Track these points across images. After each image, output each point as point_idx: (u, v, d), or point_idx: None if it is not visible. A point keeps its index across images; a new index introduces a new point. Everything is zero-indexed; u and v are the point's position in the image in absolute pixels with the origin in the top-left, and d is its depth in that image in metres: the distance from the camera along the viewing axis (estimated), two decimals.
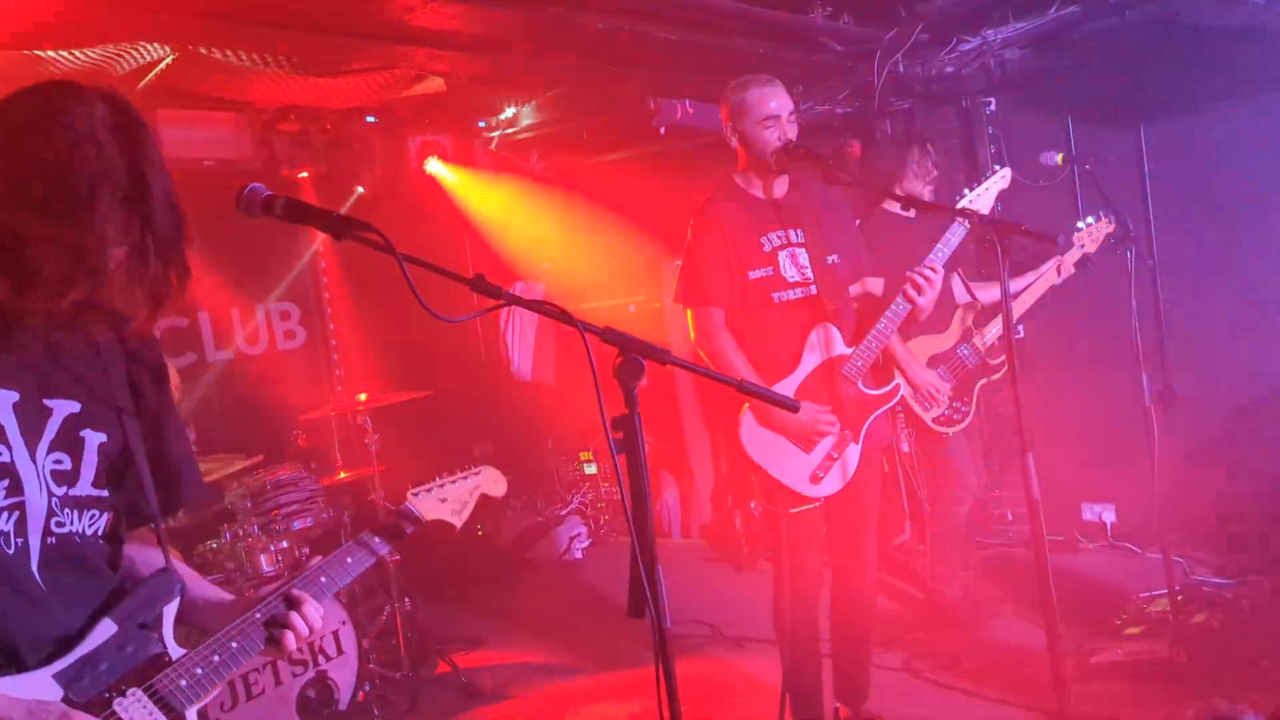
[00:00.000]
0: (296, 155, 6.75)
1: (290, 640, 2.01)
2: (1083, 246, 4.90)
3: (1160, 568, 4.44)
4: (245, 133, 6.17)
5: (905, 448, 5.69)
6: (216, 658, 1.94)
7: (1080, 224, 4.92)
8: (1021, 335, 6.11)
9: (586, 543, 7.75)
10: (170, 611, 1.98)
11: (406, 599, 5.67)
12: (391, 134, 7.03)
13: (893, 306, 3.68)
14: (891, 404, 3.80)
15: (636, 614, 2.02)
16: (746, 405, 3.64)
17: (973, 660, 4.69)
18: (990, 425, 6.20)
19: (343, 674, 4.75)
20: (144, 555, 2.06)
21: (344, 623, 4.79)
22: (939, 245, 3.70)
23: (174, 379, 5.78)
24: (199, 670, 1.91)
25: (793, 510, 3.66)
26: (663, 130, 6.14)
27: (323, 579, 2.16)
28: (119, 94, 1.75)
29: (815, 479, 3.63)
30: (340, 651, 4.76)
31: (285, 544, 4.95)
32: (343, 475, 5.86)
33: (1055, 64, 5.80)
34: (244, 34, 4.51)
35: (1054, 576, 3.21)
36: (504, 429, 8.83)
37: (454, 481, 2.75)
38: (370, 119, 6.72)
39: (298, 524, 5.17)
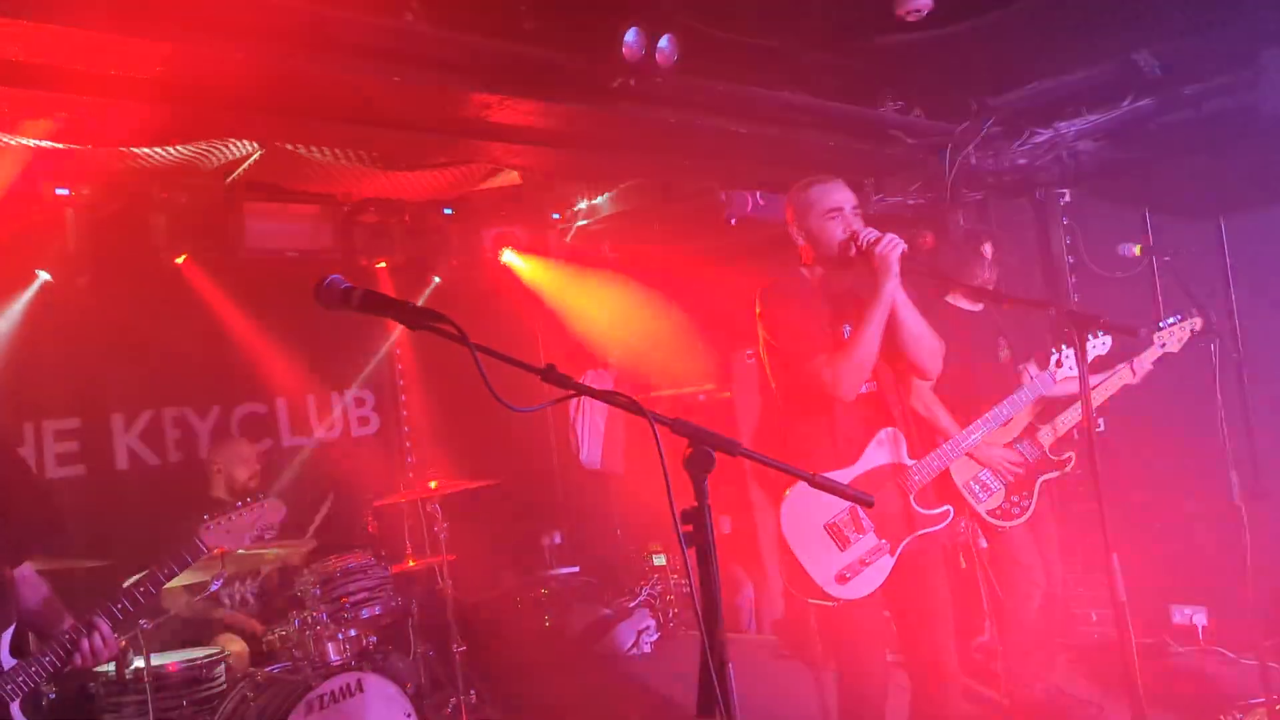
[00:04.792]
0: (375, 246, 6.92)
1: (77, 658, 3.09)
2: (1164, 345, 4.73)
3: (1256, 674, 4.22)
4: (326, 224, 6.35)
5: (984, 544, 5.54)
6: (34, 668, 3.03)
7: (1163, 323, 4.76)
8: (1102, 429, 5.97)
9: (655, 636, 7.61)
10: (6, 636, 3.07)
11: (472, 691, 5.62)
12: (467, 225, 7.19)
13: (963, 435, 3.68)
14: (937, 528, 3.67)
15: (705, 714, 1.97)
16: (795, 484, 3.56)
17: None
18: (1072, 523, 6.01)
19: None
20: (28, 586, 3.24)
21: (409, 715, 4.74)
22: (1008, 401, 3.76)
23: (251, 459, 5.88)
24: (20, 678, 3.01)
25: (811, 601, 3.56)
26: (733, 221, 6.19)
27: (119, 606, 3.21)
28: None
29: (842, 579, 3.52)
30: None
31: (353, 632, 4.94)
32: (412, 563, 5.87)
33: (1130, 156, 5.77)
34: (327, 130, 4.67)
35: (1143, 682, 3.07)
36: (573, 518, 8.80)
37: (240, 515, 3.62)
38: (447, 211, 6.88)
39: (366, 612, 5.16)
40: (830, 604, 3.54)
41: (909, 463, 3.62)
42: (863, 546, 3.54)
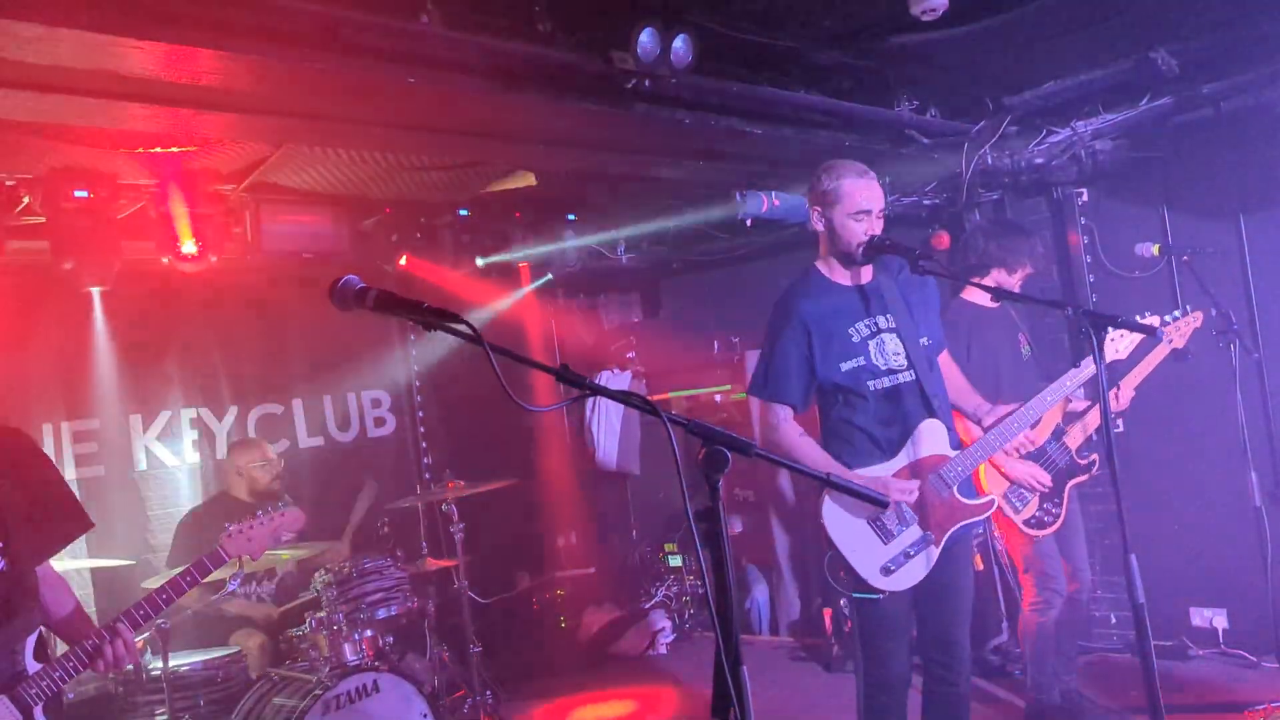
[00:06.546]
0: (391, 247, 6.92)
1: (100, 664, 3.04)
2: (1170, 341, 4.70)
3: (1278, 678, 4.19)
4: (342, 226, 6.35)
5: (1001, 546, 5.51)
6: (57, 673, 2.95)
7: (1167, 318, 4.73)
8: (1121, 429, 5.92)
9: (671, 637, 7.61)
10: (30, 640, 2.97)
11: (489, 692, 5.63)
12: (483, 226, 7.18)
13: (1002, 428, 3.72)
14: (982, 517, 3.67)
15: (720, 714, 1.97)
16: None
17: None
18: (1090, 524, 5.97)
19: None
20: (54, 591, 3.17)
21: (425, 716, 4.75)
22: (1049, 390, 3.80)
23: (273, 462, 5.87)
24: (44, 682, 2.92)
25: (856, 595, 3.57)
26: (748, 222, 6.18)
27: (140, 612, 3.18)
28: None
29: (887, 571, 3.52)
30: None
31: (370, 633, 4.95)
32: (428, 564, 5.88)
33: (1148, 155, 5.72)
34: (343, 132, 4.68)
35: (1163, 684, 3.05)
36: (588, 519, 8.80)
37: (260, 524, 3.69)
38: (463, 212, 6.88)
39: (382, 613, 5.17)
40: (876, 596, 3.54)
41: (951, 454, 3.61)
42: (907, 538, 3.55)
